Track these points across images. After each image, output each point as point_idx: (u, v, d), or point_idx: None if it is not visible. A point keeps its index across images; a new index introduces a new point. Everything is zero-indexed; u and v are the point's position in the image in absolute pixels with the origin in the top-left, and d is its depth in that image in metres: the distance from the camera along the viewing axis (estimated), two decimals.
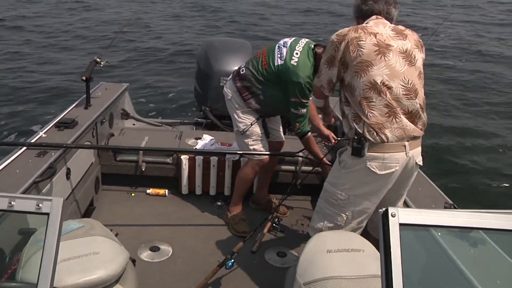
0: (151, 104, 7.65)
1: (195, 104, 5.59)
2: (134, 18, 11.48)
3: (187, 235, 3.44)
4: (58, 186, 2.90)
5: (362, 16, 2.52)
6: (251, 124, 3.29)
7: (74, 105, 3.83)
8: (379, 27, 2.39)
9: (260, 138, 3.34)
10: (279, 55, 3.13)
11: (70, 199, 3.11)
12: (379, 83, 2.28)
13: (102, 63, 3.88)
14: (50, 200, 1.21)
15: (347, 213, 2.48)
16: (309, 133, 3.29)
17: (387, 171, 2.33)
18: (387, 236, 1.04)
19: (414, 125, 2.35)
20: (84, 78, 3.71)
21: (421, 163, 2.46)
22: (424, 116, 2.40)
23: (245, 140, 3.33)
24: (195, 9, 16.61)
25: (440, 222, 1.05)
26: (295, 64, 3.06)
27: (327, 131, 3.47)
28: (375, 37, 2.33)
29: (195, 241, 3.39)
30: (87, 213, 3.51)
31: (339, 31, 2.42)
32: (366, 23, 2.44)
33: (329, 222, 2.55)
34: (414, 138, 2.36)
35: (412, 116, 2.34)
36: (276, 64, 3.12)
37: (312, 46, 3.14)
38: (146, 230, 3.47)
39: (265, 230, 3.33)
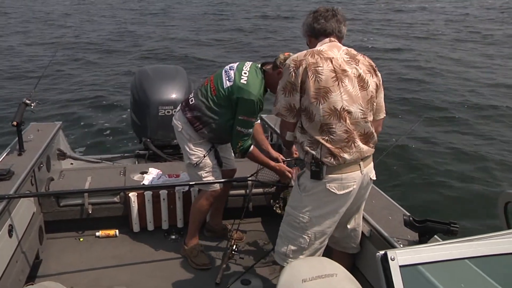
0: (87, 140, 7.33)
1: (134, 136, 5.41)
2: (58, 50, 10.95)
3: (146, 276, 3.31)
4: (0, 247, 2.67)
5: (314, 34, 2.51)
6: (204, 156, 3.23)
7: (5, 152, 3.57)
8: (334, 51, 2.39)
9: (213, 169, 3.30)
10: (227, 78, 3.10)
11: (14, 257, 2.87)
12: (339, 109, 2.31)
13: (32, 104, 3.64)
14: None
15: (309, 235, 2.50)
16: (252, 146, 3.21)
17: (346, 191, 2.39)
18: (390, 280, 1.04)
19: (368, 146, 2.44)
20: (15, 123, 3.47)
21: (374, 178, 2.54)
22: (375, 135, 2.49)
23: (198, 172, 3.27)
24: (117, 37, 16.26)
25: (436, 257, 1.07)
26: (245, 82, 3.03)
27: (275, 154, 3.48)
28: (331, 62, 2.33)
29: (155, 281, 3.26)
30: (34, 269, 3.27)
31: (295, 55, 2.39)
32: (320, 47, 2.43)
33: (292, 245, 2.55)
34: (367, 157, 2.45)
35: (367, 137, 2.43)
36: (225, 87, 3.08)
37: (259, 65, 3.15)
38: (102, 276, 3.29)
39: (226, 259, 3.30)
